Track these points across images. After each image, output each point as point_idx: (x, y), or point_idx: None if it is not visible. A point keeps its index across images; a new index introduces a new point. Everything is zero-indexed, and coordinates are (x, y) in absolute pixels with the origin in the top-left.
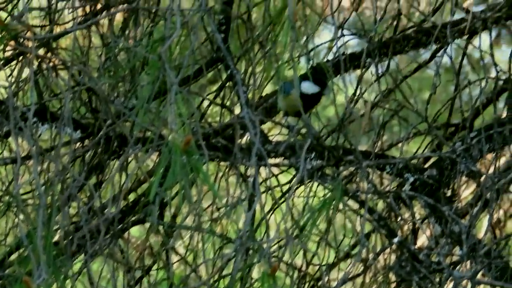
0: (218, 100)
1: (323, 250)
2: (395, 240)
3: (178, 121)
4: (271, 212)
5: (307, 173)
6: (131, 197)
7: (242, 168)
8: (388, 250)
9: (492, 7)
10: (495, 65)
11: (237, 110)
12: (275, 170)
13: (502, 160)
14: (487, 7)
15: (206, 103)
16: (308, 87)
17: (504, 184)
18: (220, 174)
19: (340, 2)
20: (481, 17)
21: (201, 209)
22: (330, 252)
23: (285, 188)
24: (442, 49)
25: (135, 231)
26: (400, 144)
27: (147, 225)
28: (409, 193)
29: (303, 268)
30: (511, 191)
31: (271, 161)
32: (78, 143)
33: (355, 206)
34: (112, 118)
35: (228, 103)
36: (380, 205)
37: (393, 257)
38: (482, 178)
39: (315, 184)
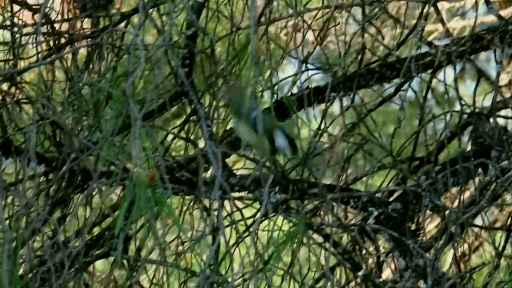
0: (183, 134)
1: (287, 284)
2: (360, 273)
3: (142, 156)
4: (235, 245)
5: (271, 206)
6: (96, 230)
7: (206, 202)
8: (353, 283)
9: (457, 41)
10: (460, 99)
11: (201, 144)
12: (240, 204)
13: (467, 194)
14: (451, 41)
15: (170, 136)
16: (282, 144)
17: (469, 218)
18: (185, 207)
19: (304, 36)
20: (446, 51)
21: (166, 243)
22: (295, 286)
23: (250, 221)
24: (407, 83)
25: (100, 265)
26: (364, 178)
27: (112, 258)
28: (373, 226)
29: None
30: (476, 225)
31: (236, 194)
32: (43, 177)
33: (320, 239)
34: (76, 152)
35: (192, 137)
36: (345, 238)
37: None
38: (447, 212)
39: (280, 217)
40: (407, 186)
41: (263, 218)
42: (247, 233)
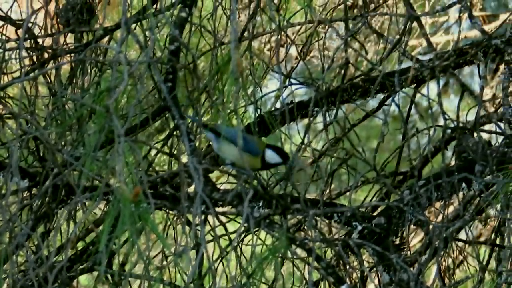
0: (166, 149)
1: None
2: (343, 287)
3: (126, 171)
4: (219, 260)
5: (254, 221)
6: (80, 245)
7: (190, 217)
8: None
9: (440, 56)
10: (443, 113)
11: (184, 159)
12: (224, 219)
13: (452, 209)
14: (435, 56)
15: (154, 151)
16: (271, 157)
17: (453, 233)
18: (168, 223)
19: (287, 51)
20: (429, 65)
21: (150, 258)
22: None
23: (233, 236)
24: (390, 98)
25: (84, 280)
26: (348, 193)
27: (96, 273)
28: (357, 241)
29: None
30: (460, 239)
31: (219, 210)
32: (26, 192)
33: (303, 254)
34: (58, 167)
35: (175, 152)
36: (329, 253)
37: None
38: (431, 227)
39: (263, 232)
40: (390, 201)
41: (246, 233)
42: (229, 248)
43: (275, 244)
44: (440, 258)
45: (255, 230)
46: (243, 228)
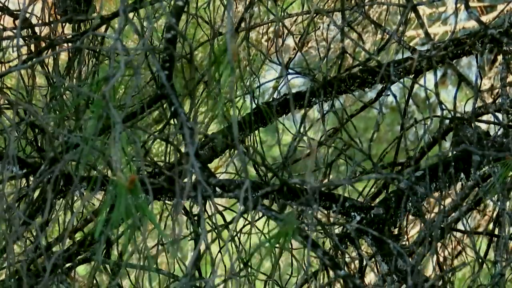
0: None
1: None
2: (341, 272)
3: (123, 160)
4: (218, 251)
5: (252, 201)
6: (78, 236)
7: (188, 206)
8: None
9: (437, 46)
10: (440, 103)
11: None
12: (222, 204)
13: (450, 200)
14: (432, 46)
15: (150, 142)
16: None
17: (450, 223)
18: (166, 213)
19: (283, 41)
20: (427, 55)
21: (147, 247)
22: None
23: (231, 226)
24: (387, 88)
25: (82, 270)
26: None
27: (93, 263)
28: (356, 225)
29: None
30: (458, 229)
31: (217, 200)
32: (24, 181)
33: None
34: (55, 153)
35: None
36: (328, 244)
37: None
38: (428, 217)
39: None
40: (388, 192)
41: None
42: (227, 233)
43: (282, 228)
44: (437, 249)
45: (253, 210)
46: (242, 209)
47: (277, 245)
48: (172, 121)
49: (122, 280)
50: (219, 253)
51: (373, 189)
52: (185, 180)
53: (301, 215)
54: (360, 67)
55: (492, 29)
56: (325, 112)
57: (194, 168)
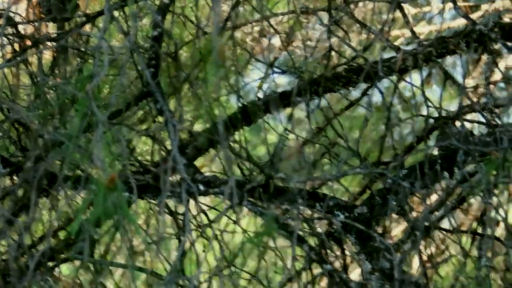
0: (148, 139)
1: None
2: (328, 266)
3: (107, 158)
4: (202, 250)
5: (237, 195)
6: (62, 234)
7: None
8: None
9: (423, 43)
10: (426, 100)
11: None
12: (206, 208)
13: (434, 198)
14: (418, 43)
15: (135, 142)
16: None
17: (434, 222)
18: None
19: (269, 40)
20: (412, 52)
21: (131, 246)
22: None
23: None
24: (374, 84)
25: (65, 269)
26: (330, 183)
27: (77, 262)
28: (343, 219)
29: None
30: (442, 228)
31: (202, 199)
32: (8, 180)
33: (287, 243)
34: (40, 151)
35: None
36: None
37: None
38: (413, 216)
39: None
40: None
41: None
42: (214, 237)
43: (263, 226)
44: (421, 247)
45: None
46: (227, 204)
47: (262, 243)
48: (157, 119)
49: (106, 279)
50: (203, 252)
51: (357, 189)
52: (170, 178)
53: (286, 212)
54: (346, 66)
55: (480, 25)
56: (311, 110)
57: (178, 165)
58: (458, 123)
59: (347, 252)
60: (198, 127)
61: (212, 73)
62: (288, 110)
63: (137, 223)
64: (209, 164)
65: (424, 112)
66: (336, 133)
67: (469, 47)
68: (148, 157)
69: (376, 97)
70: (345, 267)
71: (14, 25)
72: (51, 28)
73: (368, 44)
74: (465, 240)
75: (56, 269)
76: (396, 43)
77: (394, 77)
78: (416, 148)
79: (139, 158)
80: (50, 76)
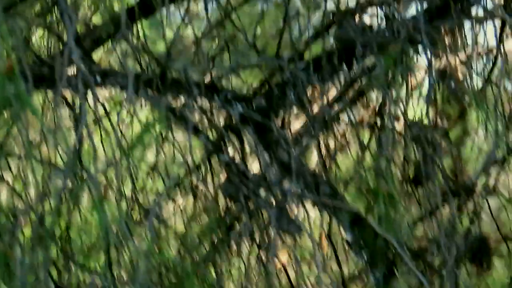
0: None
1: (153, 180)
2: (225, 157)
3: (3, 50)
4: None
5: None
6: None
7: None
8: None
9: None
10: None
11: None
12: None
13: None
14: None
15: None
16: None
17: (333, 115)
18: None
19: None
20: None
21: (29, 138)
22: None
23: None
24: None
25: None
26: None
27: None
28: (240, 111)
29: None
30: (341, 122)
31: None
32: None
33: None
34: None
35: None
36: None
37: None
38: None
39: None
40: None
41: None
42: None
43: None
44: (320, 140)
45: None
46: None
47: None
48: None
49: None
50: (101, 143)
51: (257, 83)
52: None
53: (184, 104)
54: None
55: None
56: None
57: (73, 55)
58: (356, 17)
59: (246, 145)
60: (96, 19)
61: None
62: (185, 4)
63: (38, 112)
64: (107, 57)
65: (323, 7)
66: (235, 27)
67: None
68: (46, 51)
69: None
70: (243, 159)
71: None
72: None
73: None
74: (364, 134)
75: None
76: None
77: None
78: (314, 42)
79: (36, 51)
80: None
